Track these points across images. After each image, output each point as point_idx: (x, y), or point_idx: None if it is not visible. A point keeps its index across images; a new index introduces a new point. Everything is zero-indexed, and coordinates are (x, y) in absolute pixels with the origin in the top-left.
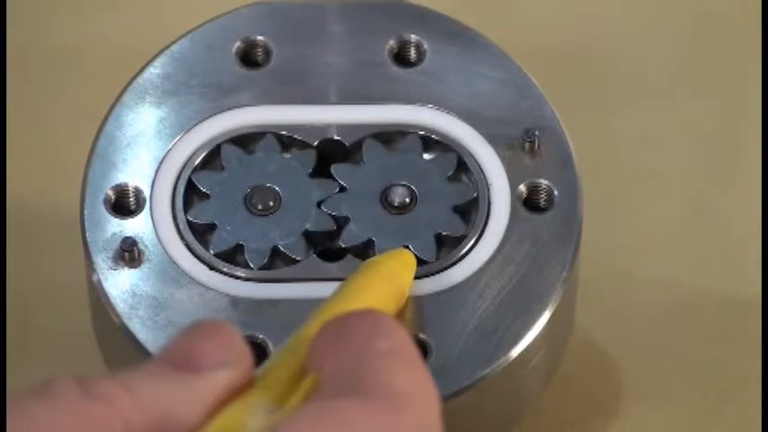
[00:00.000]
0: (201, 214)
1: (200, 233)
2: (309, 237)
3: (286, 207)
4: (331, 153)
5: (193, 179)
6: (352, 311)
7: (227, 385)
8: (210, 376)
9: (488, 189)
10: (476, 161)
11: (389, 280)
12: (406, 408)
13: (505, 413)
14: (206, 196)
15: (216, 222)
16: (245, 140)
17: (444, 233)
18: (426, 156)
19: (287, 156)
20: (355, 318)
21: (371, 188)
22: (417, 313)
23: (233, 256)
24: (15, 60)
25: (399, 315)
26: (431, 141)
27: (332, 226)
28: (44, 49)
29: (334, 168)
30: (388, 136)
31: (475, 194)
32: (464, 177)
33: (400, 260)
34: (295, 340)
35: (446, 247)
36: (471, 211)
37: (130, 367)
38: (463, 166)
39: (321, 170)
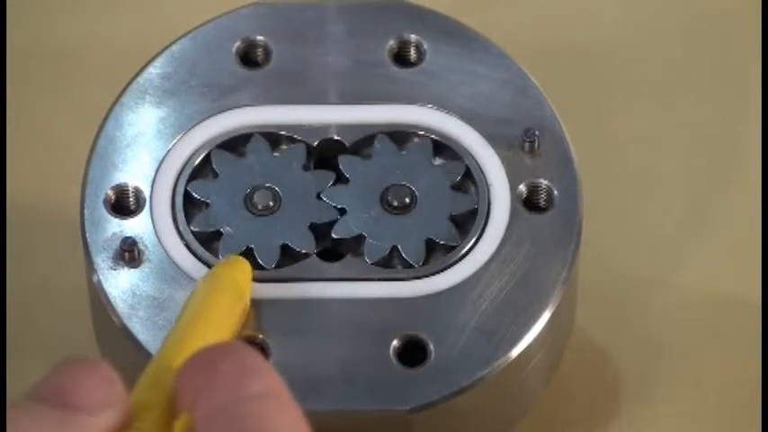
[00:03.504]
0: (204, 223)
1: (205, 241)
2: (315, 230)
3: (287, 203)
4: (330, 153)
5: (190, 190)
6: (215, 345)
7: (110, 426)
8: (96, 417)
9: (488, 189)
10: (476, 161)
11: (234, 293)
12: None
13: (505, 413)
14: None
15: (220, 229)
16: (242, 141)
17: (456, 213)
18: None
19: (277, 154)
20: (221, 354)
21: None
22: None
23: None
24: (16, 61)
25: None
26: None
27: (335, 216)
28: (44, 50)
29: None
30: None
31: (463, 163)
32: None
33: (239, 269)
34: (156, 370)
35: (464, 225)
36: (469, 186)
37: (8, 403)
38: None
39: (318, 166)
